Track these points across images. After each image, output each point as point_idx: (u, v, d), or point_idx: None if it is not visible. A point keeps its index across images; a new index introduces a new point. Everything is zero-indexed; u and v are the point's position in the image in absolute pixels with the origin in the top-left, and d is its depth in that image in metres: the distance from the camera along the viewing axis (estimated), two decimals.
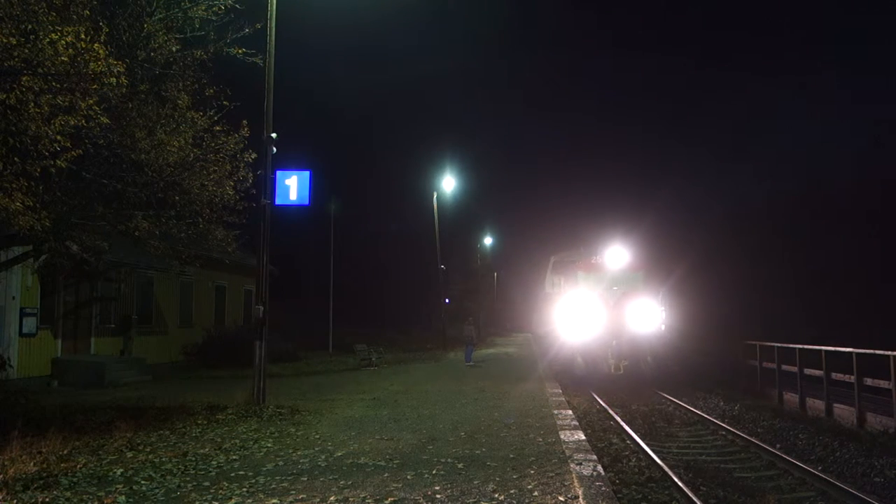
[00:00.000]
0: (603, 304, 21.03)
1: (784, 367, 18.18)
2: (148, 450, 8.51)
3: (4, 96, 7.92)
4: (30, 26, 8.02)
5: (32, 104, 8.07)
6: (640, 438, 11.93)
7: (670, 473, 9.25)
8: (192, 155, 10.99)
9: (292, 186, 12.84)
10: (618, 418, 14.24)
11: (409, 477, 7.07)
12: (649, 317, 20.81)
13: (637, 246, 22.40)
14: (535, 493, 6.36)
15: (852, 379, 14.43)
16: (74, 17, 8.50)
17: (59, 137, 8.34)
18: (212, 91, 11.43)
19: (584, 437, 9.44)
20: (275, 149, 12.61)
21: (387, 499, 6.25)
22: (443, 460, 7.85)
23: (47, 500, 6.24)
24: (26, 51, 7.94)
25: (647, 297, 21.07)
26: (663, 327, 21.07)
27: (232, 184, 11.76)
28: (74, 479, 6.98)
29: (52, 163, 8.58)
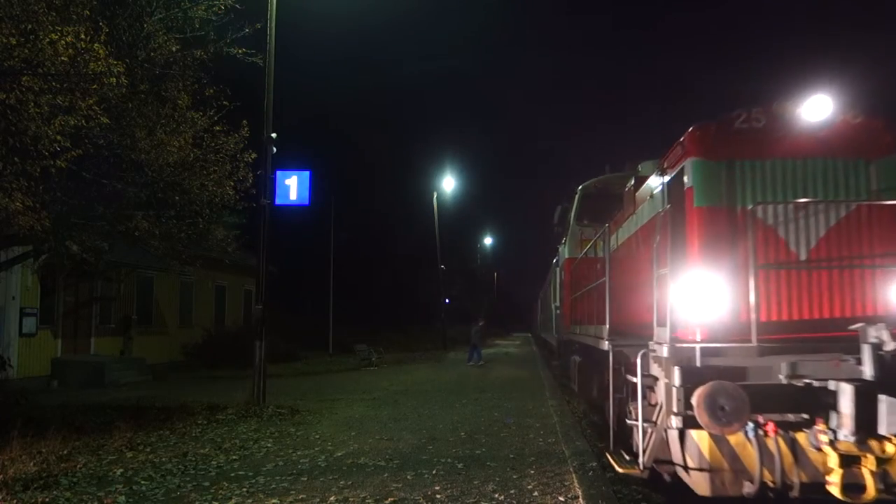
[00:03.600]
0: (783, 252, 5.97)
1: None
2: (148, 450, 8.51)
3: (4, 96, 7.92)
4: (30, 26, 8.02)
5: (32, 104, 8.07)
6: None
7: None
8: (192, 155, 11.00)
9: (292, 186, 12.85)
10: None
11: (409, 477, 7.06)
12: None
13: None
14: (535, 494, 6.36)
15: None
16: (74, 17, 8.51)
17: (59, 137, 8.35)
18: (212, 91, 11.44)
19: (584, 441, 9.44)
20: (275, 149, 12.62)
21: (387, 499, 6.25)
22: (443, 460, 7.85)
23: (47, 500, 6.23)
24: (26, 51, 7.95)
25: None
26: None
27: (232, 184, 11.77)
28: (74, 479, 6.98)
29: (52, 163, 8.58)
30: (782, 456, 5.25)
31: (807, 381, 5.17)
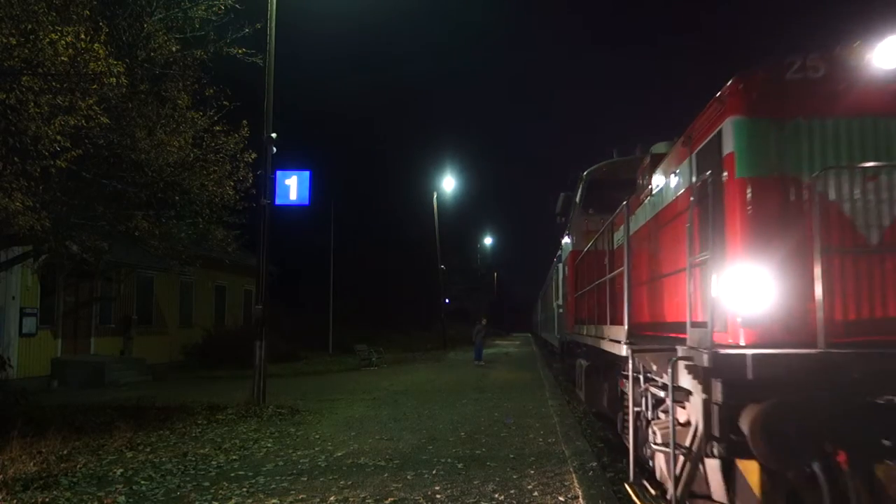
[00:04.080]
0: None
1: None
2: (148, 450, 8.51)
3: (4, 96, 7.92)
4: (30, 26, 8.03)
5: (32, 104, 8.08)
6: None
7: None
8: (192, 155, 11.01)
9: (292, 186, 12.85)
10: None
11: (409, 477, 7.06)
12: None
13: None
14: (535, 494, 6.36)
15: None
16: (74, 17, 8.52)
17: (59, 137, 8.36)
18: (212, 91, 11.46)
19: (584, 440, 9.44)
20: (275, 149, 12.62)
21: (387, 499, 6.25)
22: (443, 460, 7.85)
23: (47, 500, 6.23)
24: (26, 51, 7.96)
25: None
26: None
27: (232, 184, 11.78)
28: (74, 479, 6.98)
29: (52, 163, 8.59)
30: (858, 495, 4.08)
31: (890, 397, 4.14)
